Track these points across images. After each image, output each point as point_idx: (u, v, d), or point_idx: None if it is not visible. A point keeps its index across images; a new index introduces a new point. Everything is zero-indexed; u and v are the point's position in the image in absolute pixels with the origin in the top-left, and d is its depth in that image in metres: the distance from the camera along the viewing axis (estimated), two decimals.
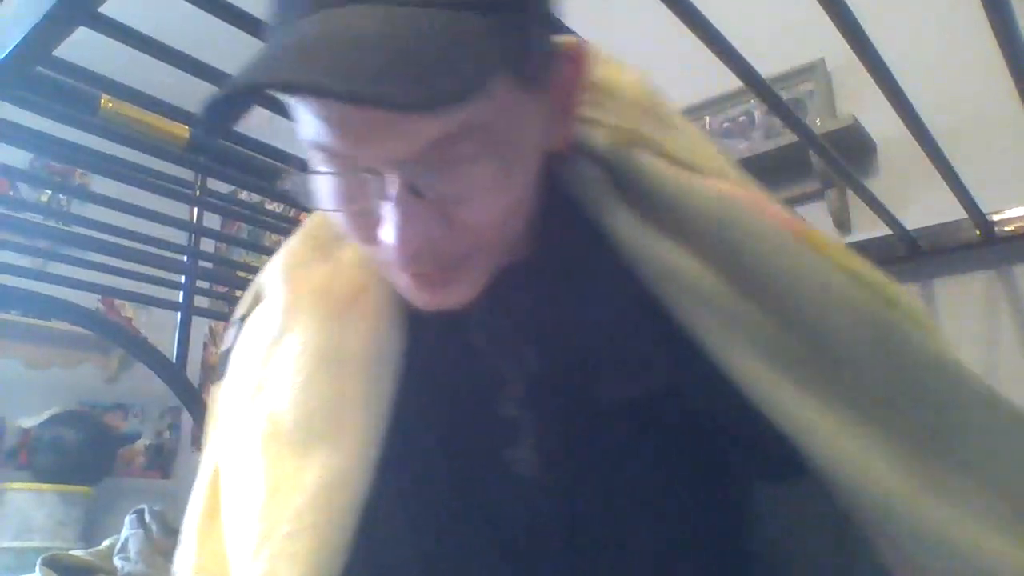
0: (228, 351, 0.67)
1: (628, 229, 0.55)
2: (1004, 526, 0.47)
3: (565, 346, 0.61)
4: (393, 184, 0.46)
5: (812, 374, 0.51)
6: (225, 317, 2.97)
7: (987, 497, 0.48)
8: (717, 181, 0.57)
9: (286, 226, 2.12)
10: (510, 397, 0.62)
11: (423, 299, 0.54)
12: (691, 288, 0.53)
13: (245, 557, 0.51)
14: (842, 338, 0.51)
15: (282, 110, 1.03)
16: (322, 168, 0.49)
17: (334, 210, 0.51)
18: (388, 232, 0.48)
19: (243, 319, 0.67)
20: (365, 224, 0.51)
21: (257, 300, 0.66)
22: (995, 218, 1.35)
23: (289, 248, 0.66)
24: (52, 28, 0.69)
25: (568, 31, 0.79)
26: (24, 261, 1.91)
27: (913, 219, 1.40)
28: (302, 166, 0.52)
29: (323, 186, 0.50)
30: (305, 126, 0.48)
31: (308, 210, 0.67)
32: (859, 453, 0.48)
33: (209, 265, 2.01)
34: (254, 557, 0.50)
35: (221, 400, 0.64)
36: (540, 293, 0.60)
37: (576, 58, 0.54)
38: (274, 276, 0.64)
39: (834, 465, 0.48)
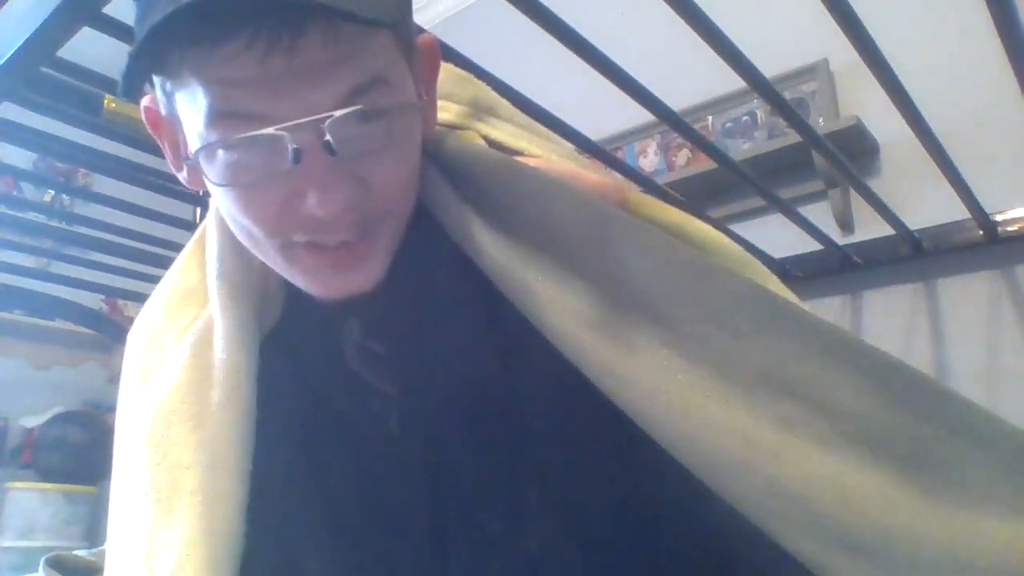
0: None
1: (460, 222, 0.55)
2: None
3: (422, 359, 0.61)
4: (310, 141, 0.45)
5: (640, 335, 0.49)
6: None
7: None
8: (545, 160, 0.58)
9: None
10: (389, 417, 0.62)
11: (328, 284, 0.54)
12: (510, 271, 0.52)
13: None
14: (661, 289, 0.49)
15: None
16: (223, 142, 0.47)
17: (238, 186, 0.50)
18: (309, 194, 0.47)
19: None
20: (275, 196, 0.49)
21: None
22: (998, 218, 1.35)
23: (142, 312, 0.69)
24: (56, 29, 0.69)
25: (571, 32, 0.79)
26: (28, 261, 1.91)
27: (916, 219, 1.40)
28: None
29: (223, 165, 0.48)
30: (202, 100, 0.46)
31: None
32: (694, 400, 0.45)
33: None
34: None
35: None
36: (402, 311, 0.60)
37: (431, 48, 0.56)
38: (132, 336, 0.68)
39: (665, 428, 0.46)
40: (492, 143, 0.60)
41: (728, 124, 1.82)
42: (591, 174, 0.58)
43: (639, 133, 1.90)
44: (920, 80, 1.03)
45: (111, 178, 1.33)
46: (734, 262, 0.54)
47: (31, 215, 1.86)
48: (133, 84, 0.46)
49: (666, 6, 0.76)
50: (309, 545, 0.63)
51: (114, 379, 3.31)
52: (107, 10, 0.73)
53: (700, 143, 1.10)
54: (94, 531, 2.80)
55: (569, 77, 0.75)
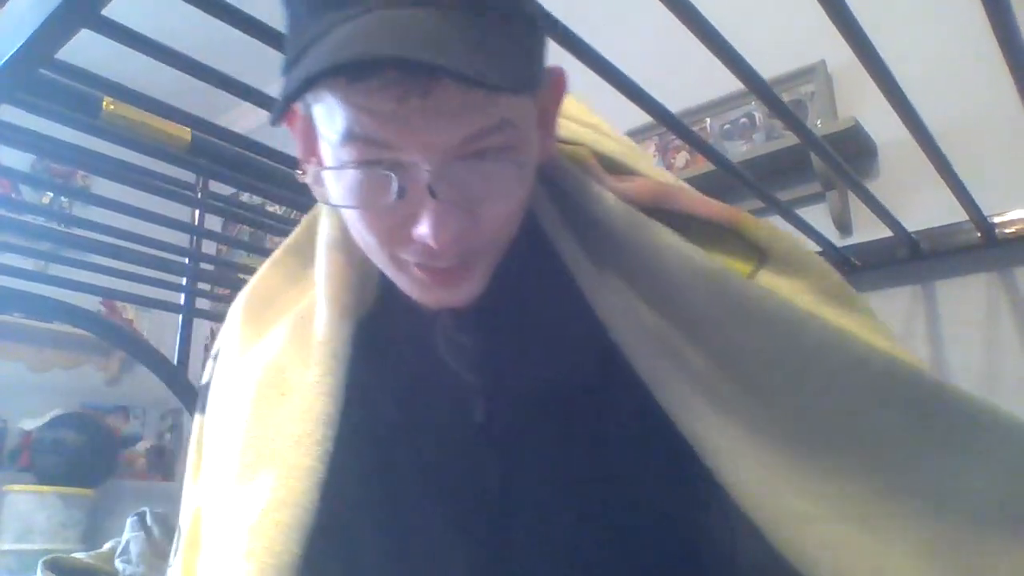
0: (207, 385, 0.72)
1: (567, 249, 0.60)
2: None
3: (513, 352, 0.65)
4: (432, 177, 0.48)
5: (725, 396, 0.54)
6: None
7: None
8: (645, 181, 0.63)
9: (287, 228, 2.12)
10: (475, 405, 0.66)
11: (434, 296, 0.58)
12: (613, 304, 0.58)
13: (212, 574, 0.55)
14: (749, 347, 0.54)
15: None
16: (352, 163, 0.50)
17: (356, 206, 0.53)
18: (423, 226, 0.50)
19: (216, 356, 0.72)
20: (391, 220, 0.53)
21: (223, 339, 0.72)
22: (996, 220, 1.35)
23: (242, 298, 0.72)
24: (54, 31, 0.69)
25: (570, 34, 0.79)
26: (26, 263, 1.91)
27: (914, 221, 1.40)
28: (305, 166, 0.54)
29: (349, 182, 0.52)
30: (339, 120, 0.49)
31: (308, 209, 0.71)
32: (769, 480, 0.51)
33: (210, 267, 2.01)
34: None
35: (205, 437, 0.68)
36: (495, 305, 0.63)
37: (559, 80, 0.58)
38: (234, 320, 0.71)
39: (742, 492, 0.51)
40: (602, 158, 0.64)
41: (726, 126, 1.82)
42: (706, 200, 0.62)
43: (637, 135, 1.90)
44: (918, 82, 1.03)
45: (110, 180, 1.32)
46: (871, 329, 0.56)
47: (29, 217, 1.86)
48: (282, 116, 0.48)
49: (663, 8, 0.76)
50: (375, 519, 0.66)
51: (112, 381, 3.32)
52: (106, 12, 0.72)
53: (698, 145, 1.10)
54: (91, 534, 2.79)
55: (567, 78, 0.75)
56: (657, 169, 0.67)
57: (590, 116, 0.71)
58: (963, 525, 0.48)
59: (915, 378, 0.51)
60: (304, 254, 0.71)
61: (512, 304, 0.64)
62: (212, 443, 0.65)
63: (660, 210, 0.61)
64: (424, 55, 0.42)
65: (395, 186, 0.49)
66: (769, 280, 0.58)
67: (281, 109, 0.46)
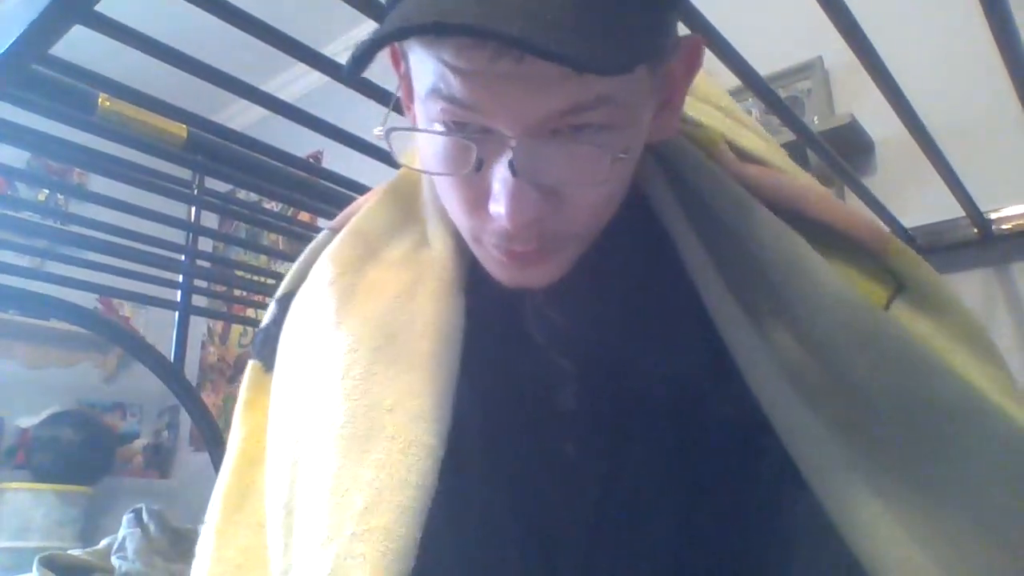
0: (269, 328, 0.65)
1: (682, 240, 0.55)
2: None
3: (614, 340, 0.60)
4: (513, 151, 0.45)
5: (833, 414, 0.50)
6: (223, 316, 2.99)
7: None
8: (790, 179, 0.59)
9: (284, 225, 2.12)
10: (564, 389, 0.61)
11: (509, 275, 0.54)
12: (729, 305, 0.53)
13: (311, 551, 0.49)
14: (878, 384, 0.49)
15: (282, 109, 1.03)
16: (438, 123, 0.47)
17: (434, 172, 0.50)
18: (498, 203, 0.47)
19: (287, 297, 0.65)
20: (470, 191, 0.49)
21: (301, 280, 0.65)
22: (993, 216, 1.35)
23: (338, 241, 0.64)
24: (49, 27, 0.68)
25: None
26: (22, 260, 1.91)
27: (911, 217, 1.40)
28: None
29: (430, 145, 0.49)
30: (428, 74, 0.45)
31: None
32: (877, 519, 0.47)
33: (207, 264, 2.01)
34: (320, 554, 0.48)
35: (272, 388, 0.61)
36: (596, 285, 0.59)
37: (693, 51, 0.53)
38: (325, 263, 0.62)
39: (846, 527, 0.47)
40: (738, 151, 0.59)
41: None
42: (849, 212, 0.57)
43: None
44: (915, 78, 1.03)
45: (106, 177, 1.32)
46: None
47: (25, 214, 1.85)
48: (363, 63, 0.43)
49: None
50: (472, 502, 0.60)
51: (109, 379, 3.31)
52: (100, 8, 0.72)
53: None
54: (88, 531, 2.79)
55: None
56: (796, 167, 0.61)
57: (725, 98, 0.65)
58: None
59: None
60: (408, 202, 0.64)
61: (613, 286, 0.60)
62: (293, 399, 0.58)
63: (794, 212, 0.56)
64: (510, 27, 0.37)
65: (475, 156, 0.46)
66: (903, 314, 0.53)
67: (357, 62, 0.42)
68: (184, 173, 1.48)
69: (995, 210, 1.35)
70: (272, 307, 0.66)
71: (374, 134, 0.49)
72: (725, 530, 0.61)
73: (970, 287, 1.42)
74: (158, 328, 2.89)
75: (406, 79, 0.53)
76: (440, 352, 0.54)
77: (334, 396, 0.53)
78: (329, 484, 0.50)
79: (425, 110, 0.48)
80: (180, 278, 1.80)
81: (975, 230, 1.36)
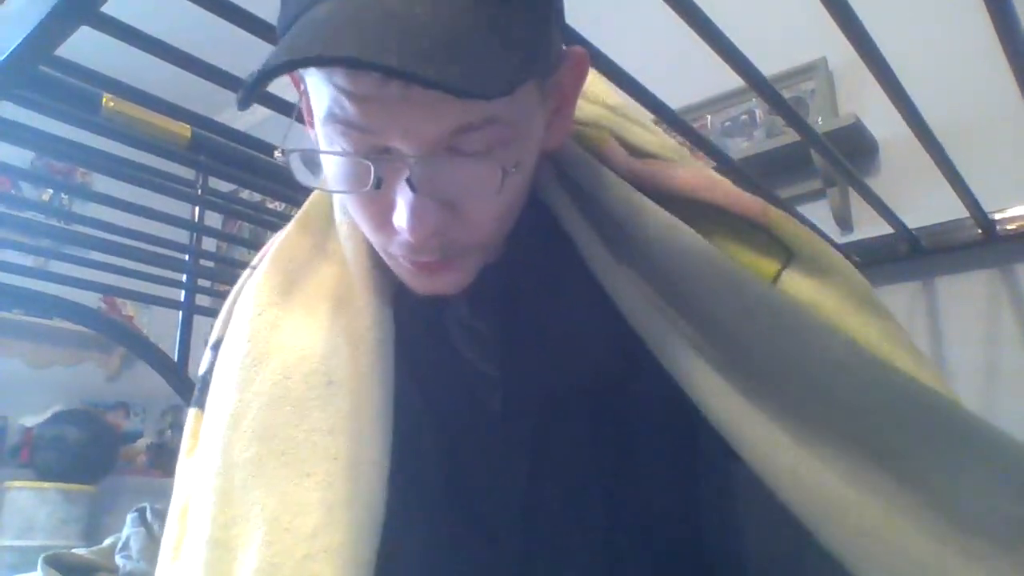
0: (205, 376, 0.66)
1: (581, 238, 0.58)
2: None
3: (533, 342, 0.63)
4: (410, 169, 0.47)
5: (743, 382, 0.53)
6: None
7: (933, 514, 0.49)
8: (682, 170, 0.60)
9: (287, 225, 2.11)
10: (490, 394, 0.64)
11: (420, 284, 0.56)
12: (629, 294, 0.56)
13: None
14: (765, 346, 0.53)
15: (282, 109, 1.03)
16: (336, 145, 0.49)
17: (338, 191, 0.52)
18: (400, 218, 0.49)
19: (218, 343, 0.66)
20: (374, 207, 0.52)
21: (228, 323, 0.66)
22: (997, 217, 1.35)
23: (259, 277, 0.65)
24: (54, 27, 0.68)
25: (569, 30, 0.79)
26: (26, 260, 1.91)
27: (915, 218, 1.40)
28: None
29: (335, 165, 0.50)
30: (324, 98, 0.48)
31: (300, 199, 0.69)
32: (800, 465, 0.50)
33: (211, 264, 2.01)
34: None
35: (202, 428, 0.63)
36: (510, 293, 0.62)
37: (579, 62, 0.55)
38: (247, 302, 0.64)
39: (773, 475, 0.51)
40: (627, 146, 0.61)
41: (727, 123, 1.82)
42: (739, 193, 0.59)
43: None
44: (919, 79, 1.03)
45: (110, 177, 1.32)
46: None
47: (29, 214, 1.86)
48: (254, 93, 0.44)
49: (665, 4, 0.76)
50: (404, 515, 0.61)
51: (112, 378, 3.32)
52: (106, 9, 0.72)
53: (699, 142, 1.10)
54: (92, 530, 2.80)
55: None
56: (685, 154, 0.64)
57: (613, 96, 0.67)
58: (973, 529, 0.48)
59: (929, 399, 0.51)
60: (322, 226, 0.66)
61: (529, 290, 0.62)
62: (228, 436, 0.58)
63: (690, 199, 0.59)
64: (388, 57, 0.39)
65: (373, 175, 0.48)
66: (794, 280, 0.56)
67: (247, 93, 0.44)
68: (188, 173, 1.49)
69: (999, 211, 1.35)
70: (207, 354, 0.68)
71: (275, 156, 0.51)
72: (659, 503, 0.64)
73: (974, 287, 1.42)
74: (161, 328, 2.89)
75: (306, 98, 0.54)
76: (376, 369, 0.56)
77: (269, 424, 0.55)
78: (273, 511, 0.51)
79: (324, 131, 0.49)
80: (184, 278, 1.80)
81: (979, 231, 1.36)
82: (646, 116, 0.68)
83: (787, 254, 0.57)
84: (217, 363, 0.64)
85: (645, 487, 0.64)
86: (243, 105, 0.45)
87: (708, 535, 0.65)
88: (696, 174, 0.60)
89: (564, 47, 0.55)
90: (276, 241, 0.68)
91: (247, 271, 0.70)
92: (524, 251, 0.61)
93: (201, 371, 0.68)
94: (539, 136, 0.53)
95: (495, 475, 0.65)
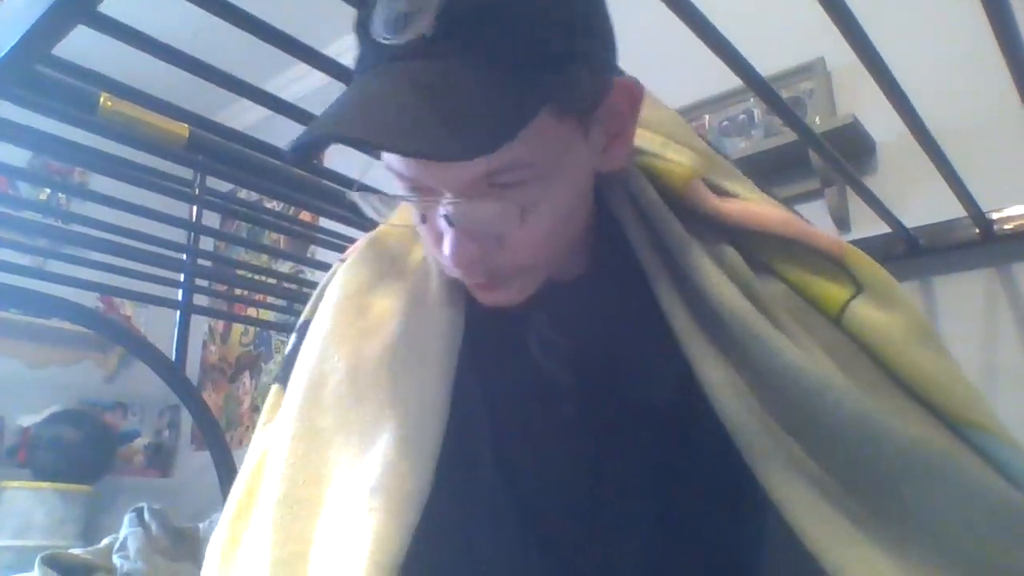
0: (289, 355, 0.73)
1: (650, 267, 0.62)
2: None
3: (605, 359, 0.66)
4: (445, 208, 0.53)
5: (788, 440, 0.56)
6: (224, 316, 2.99)
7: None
8: (758, 206, 0.64)
9: (285, 224, 2.12)
10: (563, 400, 0.67)
11: (481, 297, 0.61)
12: (690, 342, 0.59)
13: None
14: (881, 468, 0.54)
15: (283, 109, 1.03)
16: (396, 189, 0.56)
17: (397, 224, 0.63)
18: (444, 247, 0.56)
19: (304, 325, 0.73)
20: (432, 236, 0.58)
21: (316, 307, 0.73)
22: (994, 216, 1.35)
23: (348, 266, 0.72)
24: (51, 27, 0.68)
25: None
26: (23, 259, 1.90)
27: (913, 217, 1.40)
28: (304, 165, 0.57)
29: (392, 202, 0.59)
30: (385, 156, 0.55)
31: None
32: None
33: (208, 263, 2.01)
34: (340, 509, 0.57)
35: (283, 401, 0.68)
36: (589, 310, 0.66)
37: (627, 91, 0.58)
38: (335, 288, 0.71)
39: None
40: (714, 187, 0.65)
41: (724, 122, 1.82)
42: (811, 229, 0.63)
43: None
44: (917, 78, 1.03)
45: (107, 177, 1.32)
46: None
47: (27, 214, 1.85)
48: (302, 162, 0.55)
49: (662, 4, 0.76)
50: (476, 503, 0.67)
51: (110, 378, 3.32)
52: (103, 8, 0.72)
53: None
54: (89, 530, 2.79)
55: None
56: (762, 195, 0.68)
57: (698, 141, 0.71)
58: None
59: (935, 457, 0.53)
60: (413, 231, 0.70)
61: (602, 311, 0.66)
62: (306, 406, 0.64)
63: (757, 232, 0.62)
64: (385, 137, 0.47)
65: (417, 213, 0.56)
66: (864, 311, 0.59)
67: (295, 158, 0.53)
68: (185, 172, 1.49)
69: (997, 210, 1.35)
70: (292, 336, 0.75)
71: (347, 197, 0.60)
72: (705, 526, 0.66)
73: (972, 287, 1.43)
74: (159, 327, 2.89)
75: None
76: (446, 354, 0.62)
77: (341, 399, 0.63)
78: (341, 474, 0.59)
79: (389, 175, 0.57)
80: (181, 277, 1.80)
81: (977, 230, 1.37)
82: (726, 161, 0.72)
83: (856, 286, 0.60)
84: (304, 342, 0.70)
85: (693, 516, 0.66)
86: (293, 162, 0.53)
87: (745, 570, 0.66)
88: (774, 211, 0.64)
89: (617, 78, 0.58)
90: (370, 236, 0.75)
91: (337, 263, 0.76)
92: (604, 270, 0.66)
93: (287, 351, 0.74)
94: (581, 165, 0.57)
95: (559, 479, 0.68)
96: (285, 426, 0.64)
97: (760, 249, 0.62)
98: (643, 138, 0.68)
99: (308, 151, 0.52)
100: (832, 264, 0.61)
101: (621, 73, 0.60)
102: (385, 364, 0.63)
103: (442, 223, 0.55)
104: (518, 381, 0.68)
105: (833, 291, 0.60)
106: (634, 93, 0.59)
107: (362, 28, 0.53)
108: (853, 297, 0.60)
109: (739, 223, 0.63)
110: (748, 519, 0.64)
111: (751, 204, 0.64)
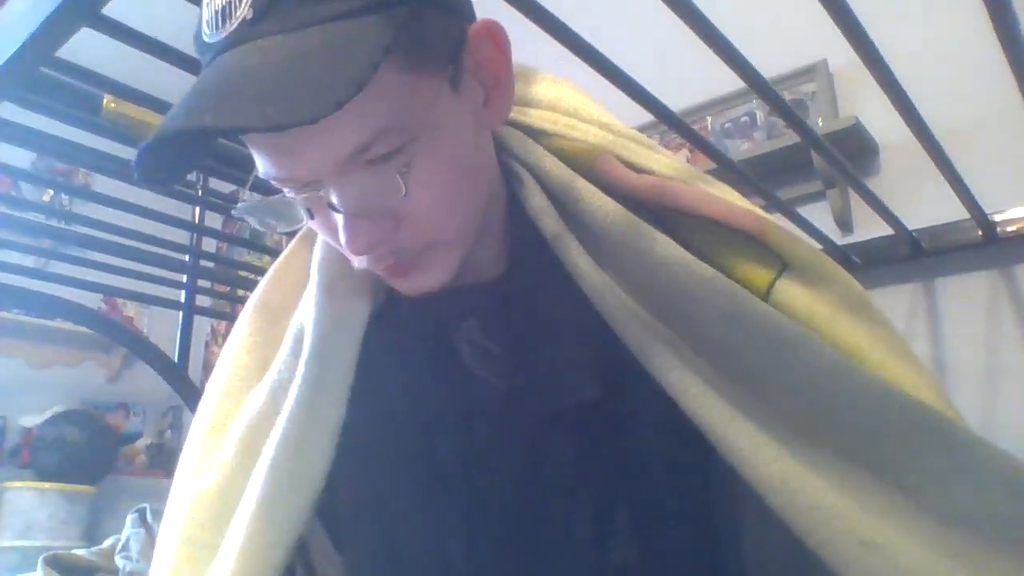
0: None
1: (565, 254, 0.60)
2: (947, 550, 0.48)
3: (537, 358, 0.65)
4: (327, 194, 0.51)
5: (731, 390, 0.55)
6: (226, 316, 2.99)
7: (924, 520, 0.49)
8: (681, 185, 0.63)
9: None
10: (491, 404, 0.65)
11: (399, 285, 0.59)
12: (618, 308, 0.58)
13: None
14: (749, 355, 0.54)
15: None
16: (277, 192, 0.54)
17: (287, 231, 0.58)
18: (340, 237, 0.53)
19: None
20: (328, 232, 0.56)
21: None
22: (997, 218, 1.35)
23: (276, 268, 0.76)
24: (55, 29, 0.69)
25: (568, 32, 0.79)
26: (26, 260, 1.91)
27: (915, 219, 1.40)
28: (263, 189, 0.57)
29: (280, 208, 0.55)
30: (257, 163, 0.53)
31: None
32: (789, 474, 0.51)
33: (211, 264, 2.01)
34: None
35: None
36: (517, 313, 0.65)
37: (486, 33, 0.56)
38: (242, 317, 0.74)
39: (761, 483, 0.51)
40: (626, 163, 0.64)
41: (727, 124, 1.82)
42: (730, 205, 0.61)
43: None
44: (919, 81, 1.03)
45: (110, 178, 1.32)
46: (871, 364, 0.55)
47: (30, 215, 1.86)
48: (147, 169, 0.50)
49: (664, 6, 0.76)
50: (402, 498, 0.66)
51: (113, 379, 3.32)
52: (106, 11, 0.72)
53: (699, 143, 1.10)
54: (92, 530, 2.80)
55: (567, 77, 0.75)
56: (677, 168, 0.66)
57: (606, 116, 0.70)
58: (961, 532, 0.48)
59: (912, 406, 0.52)
60: (303, 261, 0.73)
61: (532, 304, 0.64)
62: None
63: (677, 211, 0.61)
64: (236, 117, 0.43)
65: (304, 211, 0.54)
66: (789, 289, 0.58)
67: (148, 175, 0.50)
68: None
69: (999, 212, 1.35)
70: None
71: (232, 213, 0.59)
72: (668, 508, 0.65)
73: (974, 289, 1.42)
74: (161, 328, 2.89)
75: None
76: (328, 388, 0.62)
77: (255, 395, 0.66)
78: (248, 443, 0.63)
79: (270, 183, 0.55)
80: (184, 278, 1.80)
81: (979, 232, 1.36)
82: (636, 132, 0.70)
83: (781, 264, 0.59)
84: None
85: (649, 495, 0.64)
86: (157, 185, 0.53)
87: (720, 543, 0.64)
88: (694, 190, 0.62)
89: (465, 24, 0.56)
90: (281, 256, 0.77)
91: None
92: (524, 268, 0.64)
93: None
94: (459, 121, 0.55)
95: (492, 482, 0.66)
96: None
97: (687, 230, 0.61)
98: (544, 119, 0.68)
99: (153, 164, 0.49)
100: (754, 243, 0.59)
101: (475, 18, 0.58)
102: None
103: (332, 215, 0.53)
104: (449, 386, 0.66)
105: (759, 272, 0.59)
106: (495, 34, 0.56)
107: (196, 39, 0.51)
108: (778, 276, 0.58)
109: (653, 199, 0.62)
110: (706, 500, 0.63)
111: (670, 182, 0.63)
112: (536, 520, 0.64)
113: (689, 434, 0.56)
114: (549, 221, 0.61)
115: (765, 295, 0.58)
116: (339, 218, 0.52)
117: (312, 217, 0.55)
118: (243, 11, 0.46)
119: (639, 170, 0.64)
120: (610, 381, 0.62)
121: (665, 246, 0.58)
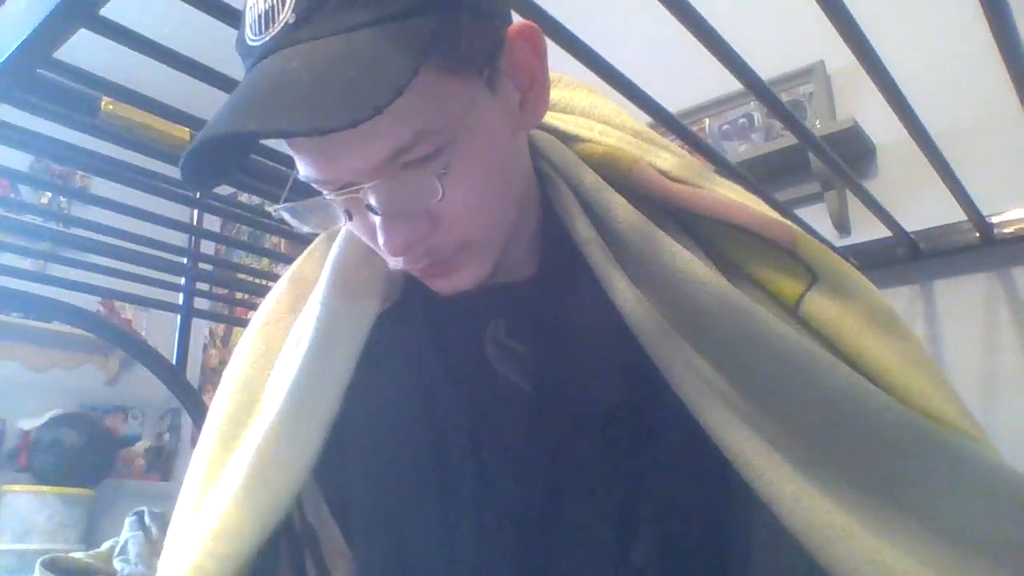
0: None
1: (597, 260, 0.61)
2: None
3: (564, 360, 0.64)
4: (366, 196, 0.52)
5: (747, 407, 0.55)
6: (225, 319, 2.99)
7: (933, 542, 0.50)
8: (711, 193, 0.62)
9: (285, 228, 2.11)
10: (519, 404, 0.65)
11: (435, 286, 0.60)
12: (641, 316, 0.58)
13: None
14: (783, 385, 0.55)
15: None
16: (318, 194, 0.55)
17: (327, 230, 0.60)
18: (378, 239, 0.54)
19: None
20: (367, 234, 0.57)
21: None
22: (994, 220, 1.35)
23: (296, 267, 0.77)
24: (52, 30, 0.69)
25: (567, 33, 0.79)
26: (24, 263, 1.91)
27: (912, 221, 1.40)
28: (301, 188, 0.57)
29: (318, 210, 0.56)
30: (298, 165, 0.54)
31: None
32: (802, 492, 0.51)
33: (209, 267, 2.01)
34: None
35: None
36: (545, 315, 0.65)
37: (525, 36, 0.57)
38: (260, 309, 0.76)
39: (776, 500, 0.52)
40: (660, 172, 0.64)
41: (725, 126, 1.82)
42: (762, 215, 0.61)
43: None
44: (917, 82, 1.03)
45: (108, 180, 1.32)
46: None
47: (28, 217, 1.86)
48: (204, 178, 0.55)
49: (662, 7, 0.76)
50: (412, 495, 0.66)
51: (111, 381, 3.31)
52: (104, 12, 0.72)
53: (697, 145, 1.10)
54: (90, 533, 2.79)
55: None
56: (708, 178, 0.66)
57: (638, 125, 0.71)
58: (976, 561, 0.49)
59: (926, 433, 0.52)
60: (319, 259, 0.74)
61: (560, 305, 0.65)
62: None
63: (710, 220, 0.61)
64: (280, 121, 0.44)
65: (342, 212, 0.55)
66: (819, 301, 0.58)
67: (196, 179, 0.52)
68: None
69: (996, 214, 1.35)
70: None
71: (273, 214, 0.59)
72: (684, 516, 0.64)
73: (972, 291, 1.43)
74: (160, 331, 2.89)
75: None
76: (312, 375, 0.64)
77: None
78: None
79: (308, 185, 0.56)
80: (182, 281, 1.80)
81: (977, 234, 1.36)
82: (670, 142, 0.70)
83: (811, 276, 0.59)
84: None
85: (670, 503, 0.64)
86: (208, 185, 0.53)
87: (734, 554, 0.64)
88: (724, 198, 0.62)
89: (503, 26, 0.56)
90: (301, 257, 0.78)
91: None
92: (555, 270, 0.65)
93: None
94: (495, 125, 0.55)
95: (509, 482, 0.66)
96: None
97: (721, 239, 0.62)
98: (580, 125, 0.68)
99: (199, 167, 0.50)
100: (785, 254, 0.60)
101: (512, 21, 0.58)
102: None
103: (370, 216, 0.54)
104: (476, 386, 0.66)
105: (789, 284, 0.59)
106: (532, 36, 0.57)
107: (239, 42, 0.52)
108: (808, 288, 0.59)
109: (688, 206, 0.62)
110: (723, 511, 0.63)
111: (701, 191, 0.63)
112: (553, 521, 0.64)
113: (709, 446, 0.56)
114: (581, 226, 0.62)
115: (795, 307, 0.59)
116: (376, 219, 0.53)
117: (350, 218, 0.56)
118: (285, 15, 0.47)
119: (672, 179, 0.64)
120: (635, 387, 0.62)
121: (685, 261, 0.58)
